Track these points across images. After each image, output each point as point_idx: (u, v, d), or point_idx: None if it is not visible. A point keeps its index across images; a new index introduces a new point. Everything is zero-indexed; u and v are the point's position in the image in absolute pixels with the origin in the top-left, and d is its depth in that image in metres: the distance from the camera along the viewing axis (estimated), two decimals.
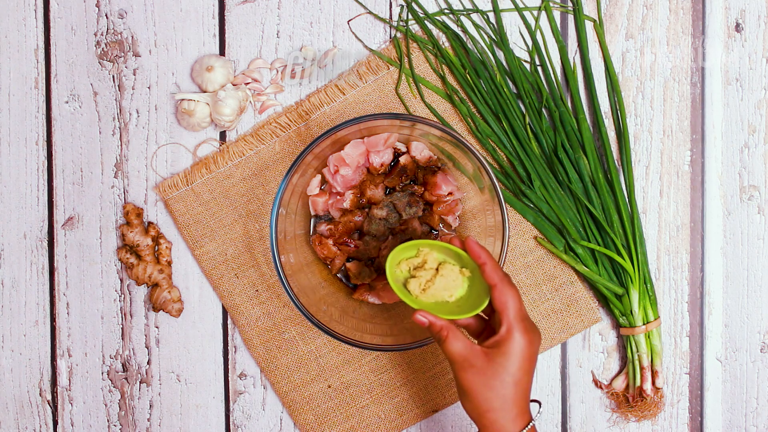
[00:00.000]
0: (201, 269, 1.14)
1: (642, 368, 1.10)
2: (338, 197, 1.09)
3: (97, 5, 1.14)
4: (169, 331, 1.15)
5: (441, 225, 1.11)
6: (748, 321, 1.14)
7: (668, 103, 1.14)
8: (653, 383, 1.10)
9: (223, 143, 1.14)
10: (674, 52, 1.14)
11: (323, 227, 1.10)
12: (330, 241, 1.10)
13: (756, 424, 1.14)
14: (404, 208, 1.09)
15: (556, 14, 1.14)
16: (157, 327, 1.15)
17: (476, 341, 0.93)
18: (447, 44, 1.13)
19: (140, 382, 1.15)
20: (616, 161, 1.13)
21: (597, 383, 1.14)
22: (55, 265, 1.15)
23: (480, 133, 1.12)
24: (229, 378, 1.15)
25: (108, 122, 1.14)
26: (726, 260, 1.14)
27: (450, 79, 1.13)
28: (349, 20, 1.14)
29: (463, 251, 0.94)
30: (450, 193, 1.09)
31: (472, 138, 1.13)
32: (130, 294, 1.15)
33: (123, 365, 1.15)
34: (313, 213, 1.11)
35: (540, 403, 0.94)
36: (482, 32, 1.14)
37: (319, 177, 1.10)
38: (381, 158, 1.08)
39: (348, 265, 1.10)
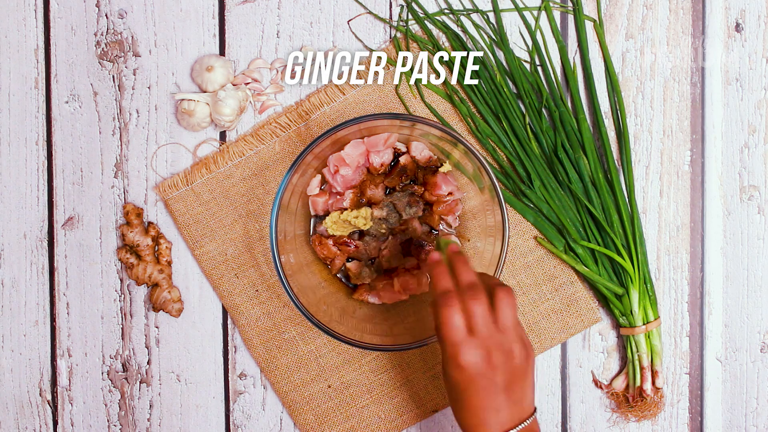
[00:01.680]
0: (201, 269, 1.14)
1: (642, 368, 1.10)
2: (338, 197, 1.09)
3: (97, 5, 1.14)
4: (169, 331, 1.15)
5: (442, 225, 1.11)
6: (748, 321, 1.14)
7: (668, 103, 1.14)
8: (653, 383, 1.10)
9: (223, 143, 1.14)
10: (674, 52, 1.14)
11: (323, 227, 1.10)
12: (330, 241, 1.10)
13: (756, 424, 1.14)
14: (404, 208, 1.09)
15: (556, 14, 1.14)
16: (157, 327, 1.15)
17: None
18: (447, 44, 1.13)
19: (140, 382, 1.15)
20: (616, 161, 1.13)
21: (597, 383, 1.14)
22: (55, 265, 1.15)
23: (480, 133, 1.12)
24: (229, 378, 1.15)
25: (108, 122, 1.14)
26: (726, 260, 1.14)
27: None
28: (349, 20, 1.14)
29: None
30: (450, 193, 1.09)
31: (472, 138, 1.13)
32: (130, 294, 1.15)
33: (123, 365, 1.15)
34: (313, 213, 1.11)
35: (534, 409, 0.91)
36: (482, 32, 1.14)
37: (319, 177, 1.10)
38: (381, 158, 1.08)
39: (348, 265, 1.10)
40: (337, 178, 1.08)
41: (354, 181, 1.09)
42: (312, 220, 1.12)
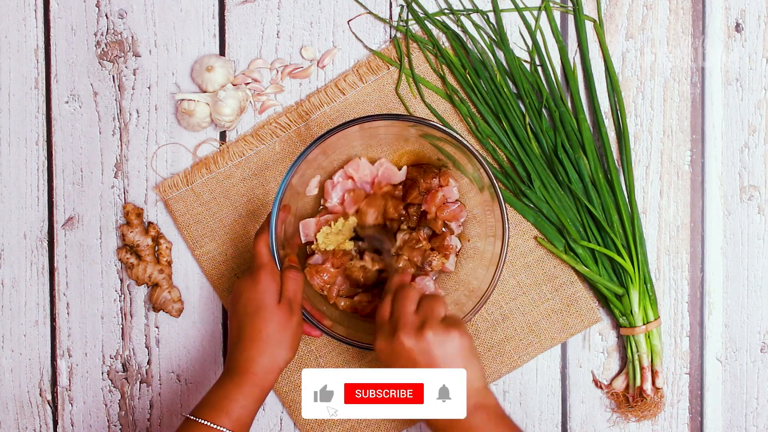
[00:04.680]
0: (201, 269, 1.14)
1: (642, 368, 1.10)
2: (329, 215, 1.08)
3: (97, 5, 1.14)
4: (169, 331, 1.15)
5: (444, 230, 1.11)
6: (748, 321, 1.14)
7: (668, 103, 1.14)
8: (653, 383, 1.10)
9: (223, 143, 1.14)
10: (674, 52, 1.14)
11: (317, 256, 1.08)
12: (328, 264, 1.07)
13: (756, 424, 1.14)
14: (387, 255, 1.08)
15: (556, 14, 1.14)
16: (157, 327, 1.15)
17: None
18: (447, 44, 1.13)
19: (140, 382, 1.15)
20: (616, 161, 1.13)
21: (597, 383, 1.14)
22: (55, 265, 1.15)
23: (480, 133, 1.12)
24: None
25: (108, 122, 1.14)
26: (726, 260, 1.14)
27: (450, 79, 1.13)
28: (349, 20, 1.14)
29: None
30: (456, 201, 1.09)
31: (472, 138, 1.13)
32: (130, 294, 1.15)
33: (123, 365, 1.15)
34: (304, 239, 1.08)
35: None
36: (482, 32, 1.14)
37: (318, 177, 1.10)
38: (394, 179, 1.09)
39: (356, 298, 1.09)
40: (337, 189, 1.08)
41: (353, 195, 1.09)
42: (306, 248, 1.10)
